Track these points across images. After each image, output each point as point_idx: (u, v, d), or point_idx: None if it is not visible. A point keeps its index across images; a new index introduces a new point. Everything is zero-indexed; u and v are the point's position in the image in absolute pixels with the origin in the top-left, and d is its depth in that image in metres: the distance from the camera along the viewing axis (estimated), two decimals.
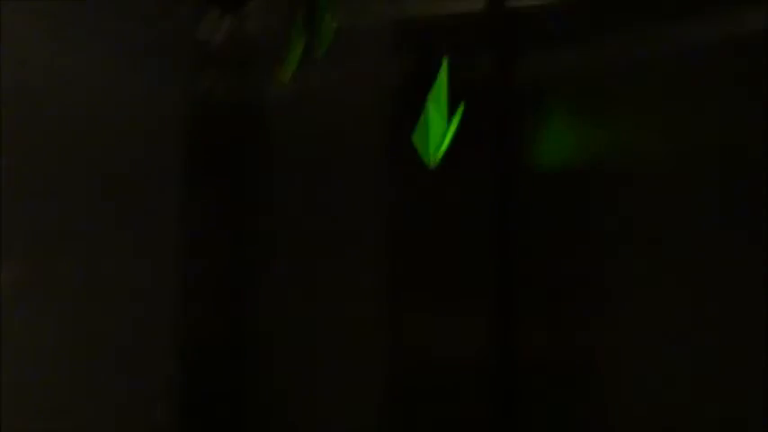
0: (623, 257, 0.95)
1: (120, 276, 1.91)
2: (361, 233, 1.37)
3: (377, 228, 1.27)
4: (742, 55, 0.80)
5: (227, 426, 1.91)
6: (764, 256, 0.78)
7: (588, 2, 1.01)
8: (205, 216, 2.02)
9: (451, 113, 1.05)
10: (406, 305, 1.18)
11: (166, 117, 2.02)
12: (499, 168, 1.12)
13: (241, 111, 2.02)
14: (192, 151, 2.05)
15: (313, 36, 1.37)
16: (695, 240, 0.85)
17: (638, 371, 0.92)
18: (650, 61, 0.92)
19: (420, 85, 1.12)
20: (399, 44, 1.20)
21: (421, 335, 1.19)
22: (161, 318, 1.97)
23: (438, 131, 1.00)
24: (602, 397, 0.96)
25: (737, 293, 0.81)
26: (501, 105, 1.16)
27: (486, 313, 1.13)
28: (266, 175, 1.94)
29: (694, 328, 0.85)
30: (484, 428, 1.11)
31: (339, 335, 1.46)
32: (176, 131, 2.03)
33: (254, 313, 1.98)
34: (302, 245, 1.68)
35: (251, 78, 2.05)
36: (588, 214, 1.00)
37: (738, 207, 0.81)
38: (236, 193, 2.01)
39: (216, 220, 2.02)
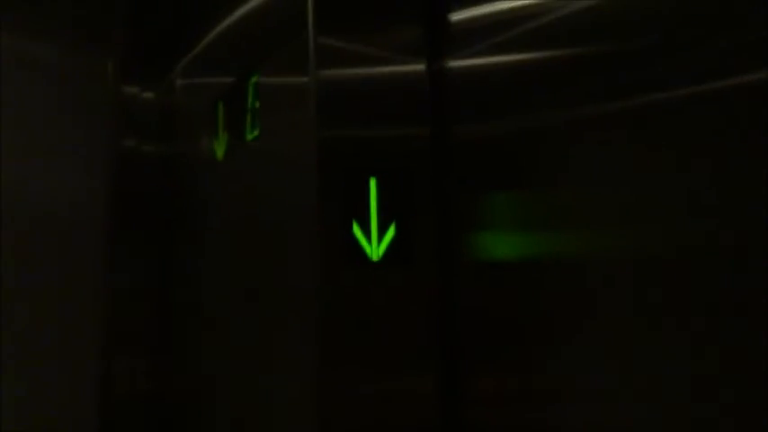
0: (573, 344, 0.90)
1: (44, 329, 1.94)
2: (293, 304, 1.28)
3: (309, 302, 1.18)
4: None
5: None
6: (719, 356, 0.73)
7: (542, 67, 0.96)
8: (132, 269, 2.04)
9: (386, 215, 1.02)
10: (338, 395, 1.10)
11: (92, 175, 2.03)
12: (443, 256, 1.08)
13: (166, 169, 2.02)
14: (117, 206, 2.04)
15: (240, 121, 1.32)
16: (649, 329, 0.80)
17: None
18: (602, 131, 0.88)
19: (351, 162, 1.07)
20: (329, 110, 1.13)
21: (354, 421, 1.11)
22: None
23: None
24: None
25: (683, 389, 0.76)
26: (439, 179, 1.11)
27: (428, 400, 1.08)
28: (195, 234, 1.87)
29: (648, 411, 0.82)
30: None
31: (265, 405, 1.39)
32: (102, 187, 2.03)
33: (180, 378, 1.91)
34: (230, 309, 1.61)
35: (175, 141, 2.01)
36: (537, 301, 0.95)
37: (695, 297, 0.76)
38: (163, 251, 2.02)
39: (142, 275, 2.04)
